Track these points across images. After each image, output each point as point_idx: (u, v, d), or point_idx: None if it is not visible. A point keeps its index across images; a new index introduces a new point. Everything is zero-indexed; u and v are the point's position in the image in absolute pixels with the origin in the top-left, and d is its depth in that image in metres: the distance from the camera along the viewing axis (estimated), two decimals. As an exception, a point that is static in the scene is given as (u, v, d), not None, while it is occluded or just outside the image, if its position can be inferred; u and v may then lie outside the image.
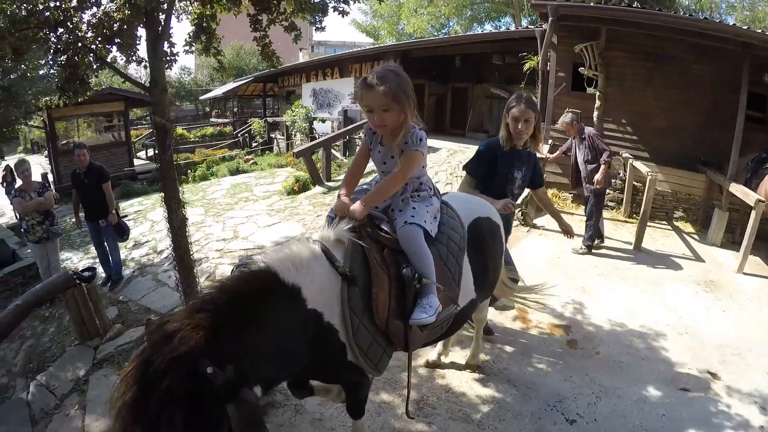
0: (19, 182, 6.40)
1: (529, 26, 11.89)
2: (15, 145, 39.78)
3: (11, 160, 32.05)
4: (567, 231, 4.27)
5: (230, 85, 27.67)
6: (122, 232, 6.78)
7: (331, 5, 4.14)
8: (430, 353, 3.95)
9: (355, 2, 4.42)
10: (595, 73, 8.50)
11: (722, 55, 7.57)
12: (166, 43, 3.88)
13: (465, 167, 3.90)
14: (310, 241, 2.17)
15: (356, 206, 2.26)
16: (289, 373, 2.08)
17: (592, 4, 8.80)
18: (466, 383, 3.72)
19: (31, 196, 6.26)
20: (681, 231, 7.89)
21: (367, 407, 3.32)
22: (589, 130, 6.66)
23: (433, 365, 3.90)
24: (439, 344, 3.89)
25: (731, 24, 8.31)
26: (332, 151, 13.28)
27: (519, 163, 3.74)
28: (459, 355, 4.05)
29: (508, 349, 4.25)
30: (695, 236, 7.66)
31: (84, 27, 3.69)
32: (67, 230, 10.57)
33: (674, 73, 8.27)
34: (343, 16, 4.39)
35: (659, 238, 7.49)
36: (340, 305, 2.07)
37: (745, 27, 8.08)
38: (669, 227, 8.10)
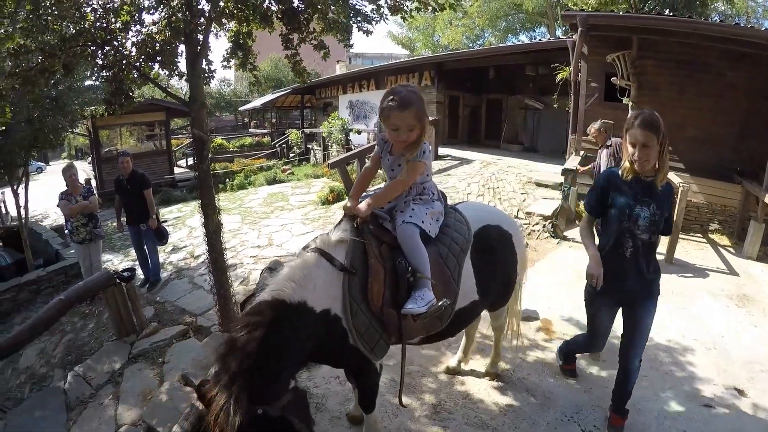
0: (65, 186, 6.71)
1: (562, 36, 11.85)
2: (60, 151, 41.63)
3: (56, 166, 33.49)
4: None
5: (269, 97, 28.28)
6: (161, 236, 7.04)
7: (355, 26, 4.29)
8: (451, 360, 4.01)
9: (377, 23, 4.55)
10: (627, 82, 8.42)
11: (758, 61, 7.41)
12: (204, 60, 4.11)
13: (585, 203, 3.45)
14: (307, 250, 2.43)
15: (362, 205, 2.52)
16: (305, 360, 2.44)
17: (621, 13, 8.73)
18: (484, 390, 3.75)
19: (76, 200, 6.59)
20: (716, 244, 7.70)
21: (385, 409, 3.42)
22: (615, 139, 6.65)
23: (453, 372, 3.96)
24: (459, 351, 3.98)
25: (765, 29, 8.10)
26: (366, 162, 13.38)
27: (646, 198, 2.90)
28: (479, 363, 4.09)
29: (529, 358, 4.25)
30: (731, 249, 7.45)
31: (129, 46, 3.96)
32: (109, 233, 11.04)
33: (708, 81, 8.11)
34: (367, 35, 4.54)
35: (693, 250, 7.33)
36: (342, 295, 2.34)
37: None
38: (704, 240, 7.91)
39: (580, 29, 8.11)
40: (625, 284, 3.04)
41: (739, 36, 7.16)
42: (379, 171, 2.89)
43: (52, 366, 5.70)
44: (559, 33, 22.72)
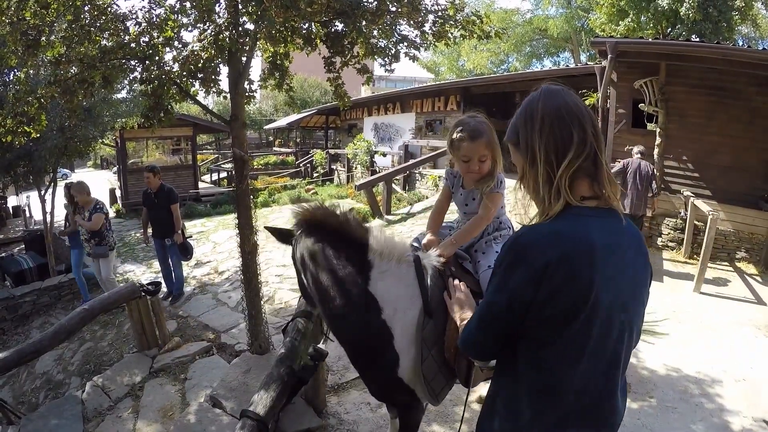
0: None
1: (588, 62, 11.85)
2: (86, 160, 42.58)
3: (81, 173, 34.12)
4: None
5: (294, 117, 28.55)
6: (186, 252, 7.04)
7: (402, 52, 4.31)
8: (483, 389, 3.94)
9: (426, 50, 4.59)
10: (655, 109, 8.35)
11: (786, 85, 7.27)
12: (246, 81, 4.17)
13: None
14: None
15: (445, 244, 2.42)
16: None
17: (650, 39, 8.70)
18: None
19: (84, 215, 6.67)
20: (743, 272, 7.54)
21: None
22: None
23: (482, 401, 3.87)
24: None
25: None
26: (392, 185, 13.50)
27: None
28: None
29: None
30: (758, 278, 7.31)
31: (170, 61, 4.02)
32: (132, 244, 11.18)
33: (738, 107, 8.00)
34: (413, 61, 4.57)
35: (720, 279, 7.19)
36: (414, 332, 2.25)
37: None
38: (731, 268, 7.75)
39: (609, 56, 8.07)
40: None
41: (766, 61, 7.08)
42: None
43: (69, 373, 5.71)
44: (583, 58, 22.78)
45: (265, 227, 2.63)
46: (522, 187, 1.40)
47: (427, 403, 2.52)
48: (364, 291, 2.23)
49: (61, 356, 6.17)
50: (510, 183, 1.71)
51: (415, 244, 2.62)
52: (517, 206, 1.46)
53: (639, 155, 7.33)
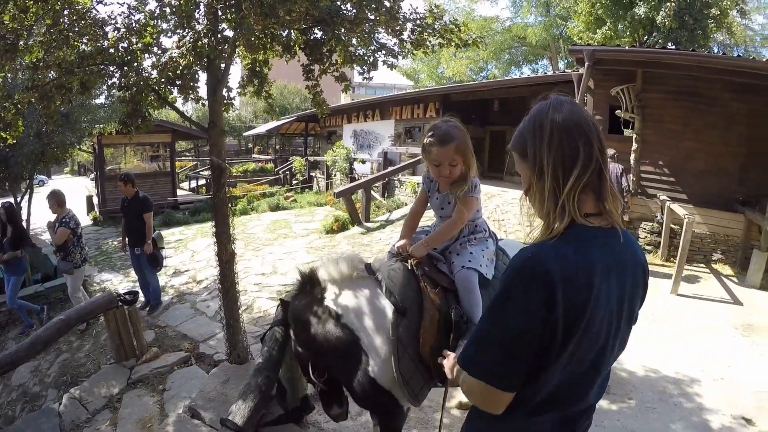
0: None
1: (566, 70, 12.02)
2: (63, 166, 41.88)
3: (58, 180, 33.49)
4: None
5: (273, 123, 28.41)
6: (156, 262, 6.86)
7: (380, 59, 4.34)
8: (462, 395, 3.94)
9: (403, 58, 4.61)
10: (631, 115, 8.51)
11: (760, 91, 7.51)
12: (224, 88, 4.15)
13: None
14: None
15: (417, 246, 2.49)
16: None
17: (627, 47, 8.86)
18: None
19: (55, 227, 6.40)
20: (719, 273, 7.71)
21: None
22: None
23: (465, 407, 3.88)
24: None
25: (766, 59, 8.19)
26: (371, 192, 13.50)
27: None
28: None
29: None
30: (734, 279, 7.48)
31: (149, 68, 3.99)
32: (109, 252, 10.99)
33: (712, 112, 8.20)
34: (392, 69, 4.59)
35: (697, 281, 7.34)
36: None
37: None
38: (707, 270, 7.92)
39: (586, 63, 8.20)
40: None
41: (741, 68, 7.28)
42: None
43: (46, 385, 5.58)
44: (561, 65, 23.11)
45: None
46: (528, 199, 1.40)
47: (408, 407, 2.54)
48: (322, 305, 2.38)
49: (38, 368, 6.03)
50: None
51: (392, 252, 2.67)
52: (523, 219, 1.48)
53: (609, 159, 7.44)
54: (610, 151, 7.54)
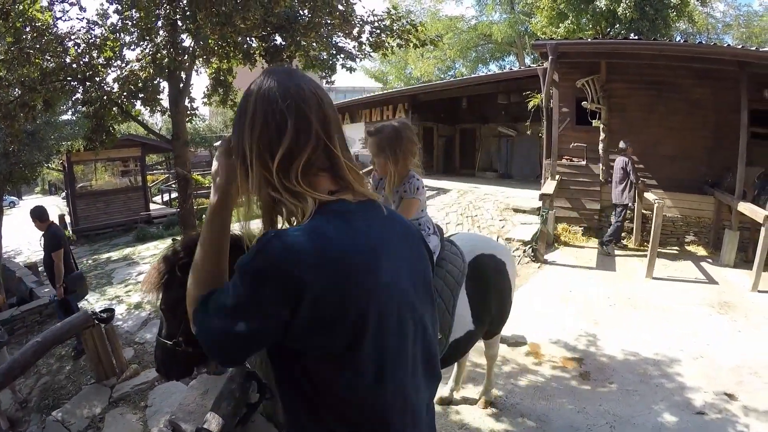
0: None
1: (532, 65, 12.17)
2: (33, 186, 40.93)
3: (29, 201, 32.68)
4: None
5: (244, 131, 28.13)
6: (65, 311, 5.96)
7: (339, 63, 4.37)
8: (443, 390, 3.96)
9: (361, 61, 4.66)
10: (598, 106, 8.66)
11: (722, 76, 7.72)
12: (187, 98, 4.13)
13: None
14: None
15: None
16: None
17: (589, 40, 9.03)
18: (479, 418, 3.72)
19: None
20: (693, 255, 7.92)
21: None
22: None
23: (446, 402, 3.90)
24: (451, 381, 3.93)
25: (726, 44, 8.43)
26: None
27: None
28: (472, 391, 4.06)
29: (521, 383, 4.24)
30: (708, 259, 7.68)
31: (111, 82, 3.94)
32: (84, 272, 10.77)
33: (677, 99, 8.40)
34: (350, 72, 4.63)
35: (671, 263, 7.50)
36: None
37: (740, 45, 8.24)
38: (681, 252, 8.10)
39: (550, 57, 8.32)
40: None
41: (703, 54, 7.50)
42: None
43: (29, 410, 5.46)
44: (528, 61, 23.38)
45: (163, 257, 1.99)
46: (243, 198, 1.13)
47: None
48: None
49: (19, 393, 5.88)
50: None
51: None
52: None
53: (619, 152, 8.00)
54: (621, 145, 7.89)
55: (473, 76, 20.24)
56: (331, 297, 0.96)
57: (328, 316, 0.96)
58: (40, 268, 6.40)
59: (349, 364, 1.01)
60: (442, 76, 28.66)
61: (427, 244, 1.25)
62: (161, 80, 3.95)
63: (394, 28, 4.36)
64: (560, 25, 15.96)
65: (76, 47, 3.93)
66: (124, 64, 3.92)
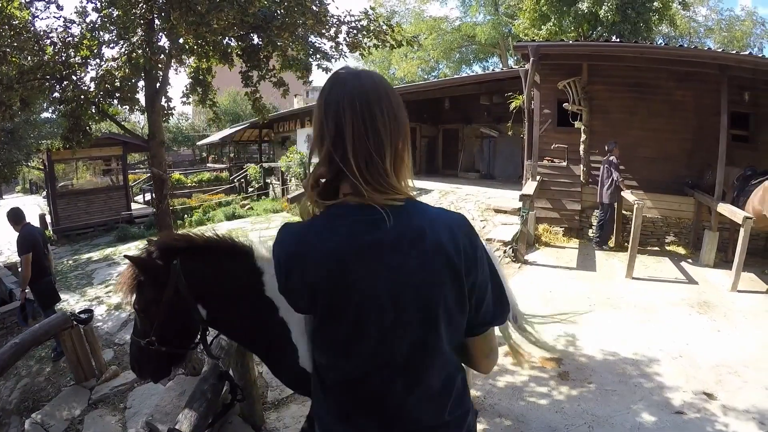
0: None
1: (514, 66, 12.25)
2: (14, 185, 40.22)
3: (9, 200, 32.14)
4: None
5: (227, 131, 27.99)
6: (24, 318, 6.00)
7: (314, 63, 4.37)
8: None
9: (336, 60, 4.66)
10: (579, 107, 8.74)
11: (703, 79, 7.82)
12: (163, 98, 4.10)
13: None
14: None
15: None
16: None
17: (570, 42, 9.10)
18: (457, 418, 3.73)
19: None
20: (673, 255, 8.02)
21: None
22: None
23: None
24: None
25: (707, 48, 8.57)
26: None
27: None
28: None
29: (500, 384, 4.26)
30: (688, 259, 7.79)
31: (87, 81, 3.90)
32: (65, 272, 10.63)
33: (658, 101, 8.49)
34: (326, 72, 4.64)
35: (651, 264, 7.59)
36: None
37: (720, 49, 8.38)
38: (661, 252, 8.21)
39: (531, 59, 8.40)
40: None
41: (684, 57, 7.62)
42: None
43: (8, 413, 5.37)
44: (511, 62, 23.53)
45: (126, 256, 2.29)
46: None
47: None
48: (263, 296, 2.27)
49: (-2, 395, 5.81)
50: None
51: None
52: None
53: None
54: (607, 146, 8.09)
55: (456, 77, 20.35)
56: (281, 281, 1.20)
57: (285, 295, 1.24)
58: (20, 269, 6.29)
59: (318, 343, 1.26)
60: (426, 76, 28.75)
61: (451, 258, 1.16)
62: (138, 79, 3.92)
63: (371, 28, 4.37)
64: (543, 27, 16.08)
65: (53, 46, 3.89)
66: (102, 62, 3.88)
